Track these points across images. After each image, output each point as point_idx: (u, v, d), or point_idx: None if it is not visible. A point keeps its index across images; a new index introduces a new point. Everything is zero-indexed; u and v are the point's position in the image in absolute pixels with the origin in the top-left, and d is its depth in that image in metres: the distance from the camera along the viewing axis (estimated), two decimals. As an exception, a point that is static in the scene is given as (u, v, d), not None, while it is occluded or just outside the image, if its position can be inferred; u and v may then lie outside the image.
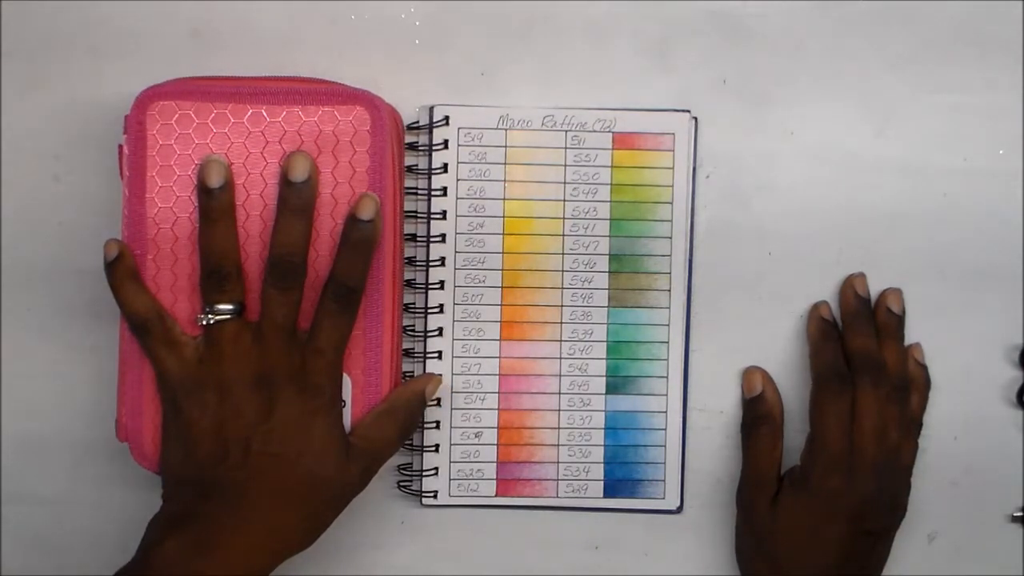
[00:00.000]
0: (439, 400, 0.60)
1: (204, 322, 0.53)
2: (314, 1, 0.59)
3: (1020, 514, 0.62)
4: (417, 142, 0.59)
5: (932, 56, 0.60)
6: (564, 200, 0.60)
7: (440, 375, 0.59)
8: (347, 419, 0.55)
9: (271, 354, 0.52)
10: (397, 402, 0.56)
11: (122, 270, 0.53)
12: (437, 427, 0.60)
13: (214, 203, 0.52)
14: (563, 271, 0.60)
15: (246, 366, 0.52)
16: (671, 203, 0.60)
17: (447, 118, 0.59)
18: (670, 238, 0.60)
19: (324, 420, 0.53)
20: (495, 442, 0.60)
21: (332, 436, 0.53)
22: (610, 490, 0.61)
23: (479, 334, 0.60)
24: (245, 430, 0.52)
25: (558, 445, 0.61)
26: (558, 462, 0.61)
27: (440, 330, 0.60)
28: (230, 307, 0.53)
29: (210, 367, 0.52)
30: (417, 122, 0.59)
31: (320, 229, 0.54)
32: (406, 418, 0.56)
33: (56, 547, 0.61)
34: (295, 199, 0.52)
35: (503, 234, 0.60)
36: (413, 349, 0.60)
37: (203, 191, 0.52)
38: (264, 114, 0.53)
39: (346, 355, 0.54)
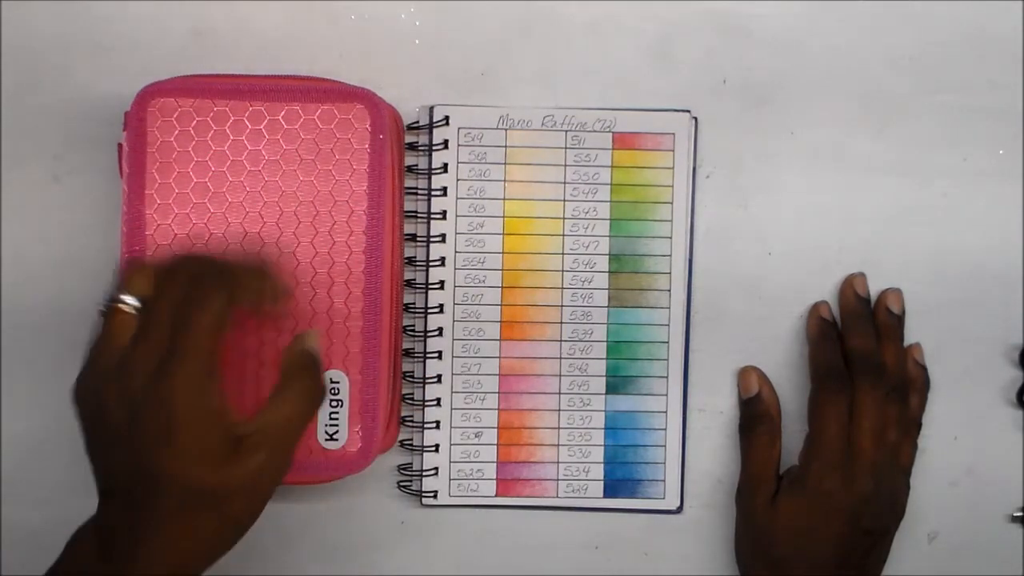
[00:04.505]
0: (439, 400, 0.60)
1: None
2: (314, 1, 0.59)
3: (1020, 514, 0.61)
4: (417, 142, 0.59)
5: (932, 56, 0.60)
6: (564, 200, 0.60)
7: (316, 330, 0.54)
8: (346, 419, 0.55)
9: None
10: (287, 372, 0.50)
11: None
12: (437, 427, 0.60)
13: None
14: (563, 271, 0.60)
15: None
16: (671, 203, 0.60)
17: (447, 118, 0.59)
18: (670, 238, 0.60)
19: (187, 432, 0.46)
20: (495, 442, 0.60)
21: (204, 444, 0.47)
22: (610, 490, 0.61)
23: (479, 334, 0.60)
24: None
25: (558, 445, 0.60)
26: (558, 462, 0.61)
27: (440, 330, 0.60)
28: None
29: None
30: (417, 122, 0.59)
31: (319, 227, 0.54)
32: (305, 382, 0.49)
33: (56, 547, 0.60)
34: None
35: (503, 234, 0.60)
36: (413, 349, 0.60)
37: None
38: (264, 111, 0.54)
39: (345, 355, 0.54)
